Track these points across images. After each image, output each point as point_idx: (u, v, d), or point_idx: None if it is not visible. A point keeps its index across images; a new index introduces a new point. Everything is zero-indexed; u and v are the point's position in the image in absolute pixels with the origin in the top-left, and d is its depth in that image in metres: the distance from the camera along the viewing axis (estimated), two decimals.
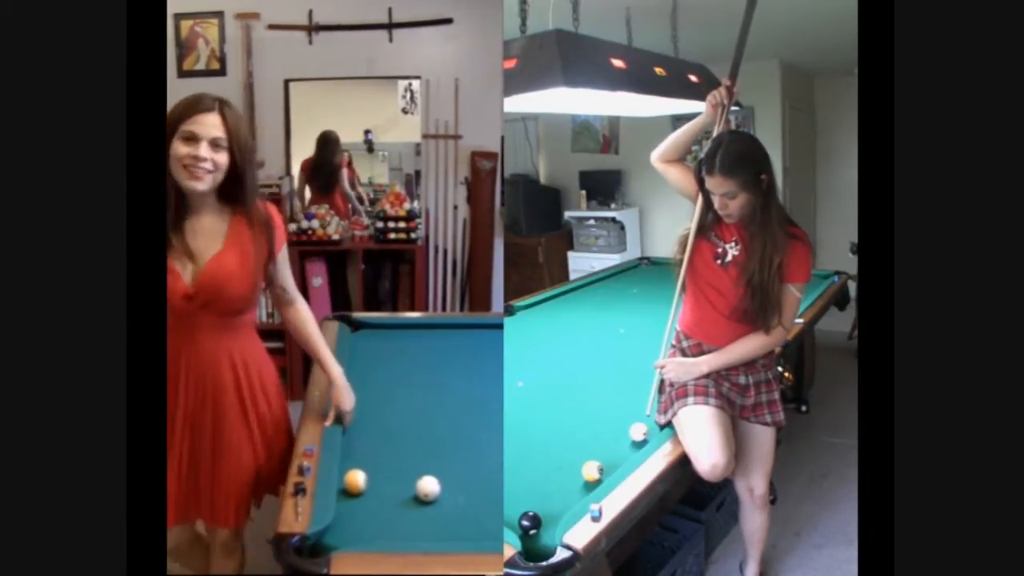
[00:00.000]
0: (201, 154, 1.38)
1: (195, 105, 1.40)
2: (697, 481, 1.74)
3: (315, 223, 3.69)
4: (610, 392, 2.21)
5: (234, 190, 1.46)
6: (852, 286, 3.25)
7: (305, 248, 3.68)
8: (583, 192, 5.56)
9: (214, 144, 1.40)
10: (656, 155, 1.91)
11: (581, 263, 5.24)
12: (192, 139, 1.38)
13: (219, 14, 3.73)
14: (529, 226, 5.34)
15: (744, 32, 1.84)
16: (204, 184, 1.41)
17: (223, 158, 1.41)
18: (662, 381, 1.91)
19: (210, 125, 1.40)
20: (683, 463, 1.68)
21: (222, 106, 1.43)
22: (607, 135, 5.66)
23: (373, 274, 3.94)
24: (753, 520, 2.01)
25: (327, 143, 3.88)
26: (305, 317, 1.70)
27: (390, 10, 3.75)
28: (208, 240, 1.46)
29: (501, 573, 1.21)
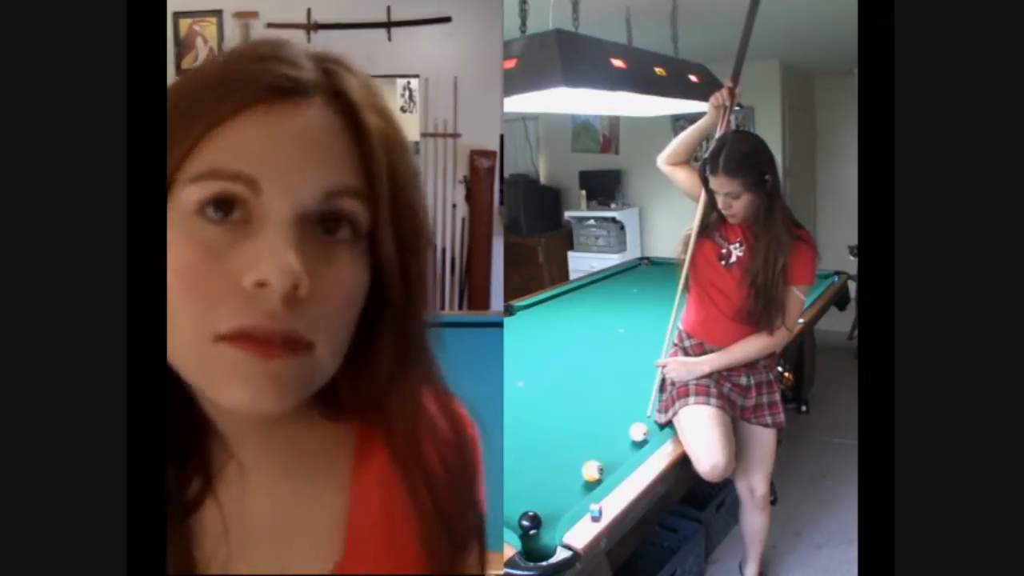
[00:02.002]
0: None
1: (261, 77, 0.47)
2: (697, 481, 1.74)
3: None
4: (610, 392, 2.21)
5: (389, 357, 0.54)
6: (852, 286, 3.25)
7: None
8: (583, 192, 5.56)
9: (349, 193, 0.48)
10: (662, 158, 1.92)
11: (581, 263, 5.24)
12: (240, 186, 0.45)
13: (218, 13, 3.73)
14: (529, 226, 5.34)
15: (747, 34, 1.84)
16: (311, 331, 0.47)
17: (357, 230, 0.49)
18: (663, 380, 1.91)
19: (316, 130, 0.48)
20: (683, 463, 1.68)
21: (337, 80, 0.49)
22: (607, 135, 5.65)
23: None
24: (753, 520, 2.01)
25: None
26: None
27: (388, 8, 3.75)
28: (292, 545, 0.54)
29: (501, 573, 1.21)
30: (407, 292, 0.53)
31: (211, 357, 0.45)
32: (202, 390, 0.47)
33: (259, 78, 0.47)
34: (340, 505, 0.55)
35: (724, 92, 1.79)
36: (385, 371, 0.54)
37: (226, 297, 0.45)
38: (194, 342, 0.46)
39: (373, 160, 0.49)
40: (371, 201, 0.49)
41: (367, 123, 0.49)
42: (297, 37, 3.76)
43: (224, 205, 0.46)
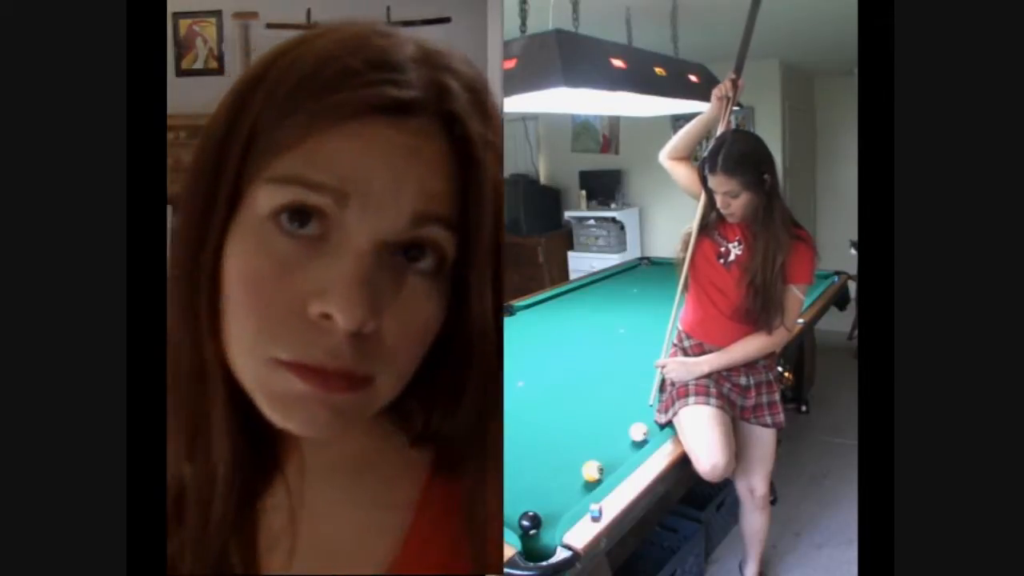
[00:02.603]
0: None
1: (347, 79, 0.43)
2: (697, 481, 1.74)
3: None
4: (610, 392, 2.21)
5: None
6: (852, 286, 3.26)
7: None
8: (583, 192, 5.56)
9: (439, 221, 0.45)
10: (664, 153, 1.92)
11: (581, 263, 5.24)
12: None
13: (217, 13, 3.73)
14: (529, 226, 5.34)
15: (748, 31, 1.84)
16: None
17: (444, 248, 0.46)
18: (663, 379, 1.91)
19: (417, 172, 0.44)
20: (683, 463, 1.68)
21: (449, 101, 0.48)
22: (607, 135, 5.65)
23: None
24: (753, 520, 2.01)
25: None
26: None
27: (388, 9, 3.74)
28: (338, 557, 0.52)
29: (501, 573, 1.21)
30: (489, 332, 0.49)
31: (269, 375, 0.44)
32: (255, 400, 0.46)
33: (362, 95, 0.43)
34: (397, 528, 0.52)
35: (727, 83, 1.79)
36: (472, 417, 0.50)
37: (288, 321, 0.43)
38: (252, 357, 0.45)
39: (479, 198, 0.45)
40: (466, 233, 0.45)
41: (478, 157, 0.46)
42: None
43: (301, 216, 0.43)
